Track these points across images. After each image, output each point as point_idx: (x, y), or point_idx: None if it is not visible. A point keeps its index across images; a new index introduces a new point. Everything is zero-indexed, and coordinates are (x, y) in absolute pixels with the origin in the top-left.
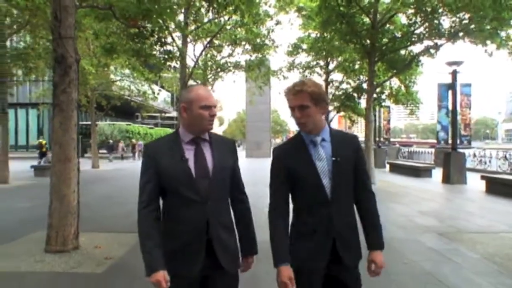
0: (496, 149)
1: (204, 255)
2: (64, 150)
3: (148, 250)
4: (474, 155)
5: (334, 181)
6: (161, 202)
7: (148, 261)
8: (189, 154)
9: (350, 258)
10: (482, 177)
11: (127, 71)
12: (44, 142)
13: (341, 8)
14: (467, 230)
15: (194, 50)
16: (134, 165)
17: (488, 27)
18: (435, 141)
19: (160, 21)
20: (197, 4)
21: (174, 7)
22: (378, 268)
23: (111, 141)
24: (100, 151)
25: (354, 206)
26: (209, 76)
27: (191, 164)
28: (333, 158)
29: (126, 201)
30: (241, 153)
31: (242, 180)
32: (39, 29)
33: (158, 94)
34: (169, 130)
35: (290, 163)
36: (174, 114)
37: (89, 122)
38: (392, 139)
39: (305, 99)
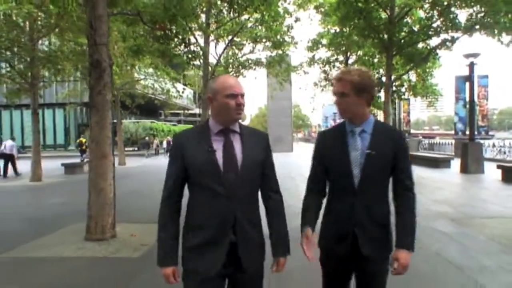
0: None
1: (227, 252)
2: (101, 147)
3: (162, 243)
4: (494, 145)
5: (364, 172)
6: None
7: (160, 254)
8: (218, 145)
9: (369, 249)
10: (498, 167)
11: (150, 70)
12: (84, 140)
13: (359, 4)
14: (477, 216)
15: (216, 48)
16: (159, 162)
17: (503, 19)
18: None
19: (184, 23)
20: (218, 5)
21: (197, 10)
22: (401, 267)
23: (147, 138)
24: (126, 148)
25: (389, 202)
26: (231, 73)
27: (219, 155)
28: (367, 151)
29: (152, 194)
30: None
31: (276, 177)
32: (66, 32)
33: (182, 92)
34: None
35: (327, 149)
36: (196, 111)
37: (114, 120)
38: (415, 131)
39: (346, 87)
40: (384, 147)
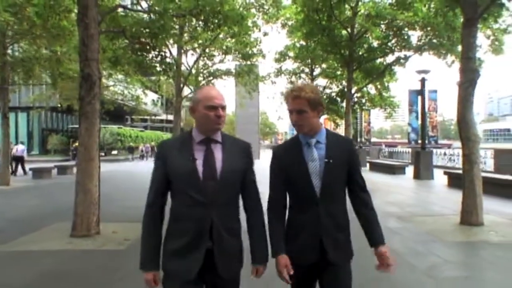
0: (482, 148)
1: (203, 258)
2: (89, 152)
3: (144, 248)
4: (445, 154)
5: (324, 181)
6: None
7: (142, 258)
8: (199, 154)
9: (336, 256)
10: (445, 173)
11: (120, 76)
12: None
13: (323, 22)
14: (420, 214)
15: (187, 57)
16: (131, 166)
17: (445, 42)
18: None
19: (164, 40)
20: (193, 24)
21: (176, 26)
22: (390, 259)
23: (131, 144)
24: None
25: (347, 207)
26: (201, 83)
27: (199, 164)
28: (326, 160)
29: (124, 198)
30: None
31: (257, 187)
32: (39, 38)
33: (157, 101)
34: (159, 133)
35: (285, 162)
36: (163, 117)
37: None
38: (379, 140)
39: (303, 104)
40: (340, 154)
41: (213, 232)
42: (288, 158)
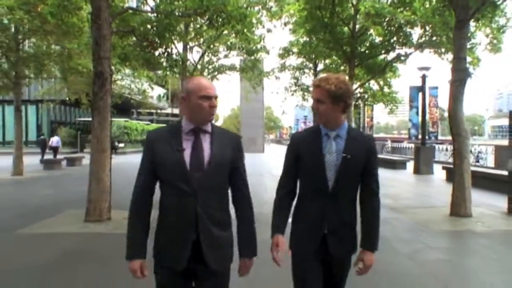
0: (482, 144)
1: (191, 249)
2: (101, 144)
3: (130, 237)
4: (447, 149)
5: (338, 175)
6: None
7: (127, 248)
8: (187, 144)
9: (337, 250)
10: (443, 168)
11: (127, 70)
12: None
13: (325, 19)
14: (413, 206)
15: (192, 53)
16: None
17: (444, 40)
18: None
19: (171, 39)
20: (199, 21)
21: (181, 25)
22: (366, 267)
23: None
24: None
25: (357, 204)
26: (207, 77)
27: (186, 154)
28: (343, 154)
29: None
30: None
31: (247, 180)
32: (50, 34)
33: (163, 97)
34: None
35: (302, 150)
36: (169, 110)
37: (87, 119)
38: (385, 135)
39: (322, 94)
40: (358, 151)
41: (199, 223)
42: (306, 146)
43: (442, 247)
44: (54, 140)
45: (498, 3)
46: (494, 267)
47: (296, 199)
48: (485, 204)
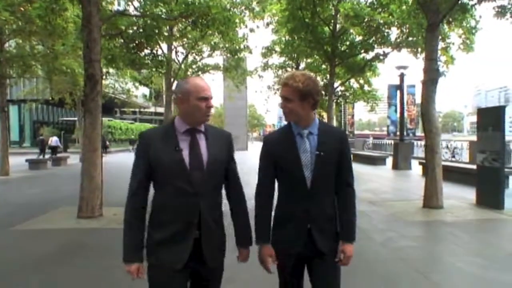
0: (460, 140)
1: (191, 247)
2: (92, 143)
3: (127, 240)
4: (425, 146)
5: (315, 173)
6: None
7: (124, 250)
8: (184, 144)
9: (324, 245)
10: (420, 163)
11: (111, 70)
12: None
13: (306, 20)
14: (390, 200)
15: (177, 54)
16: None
17: (419, 40)
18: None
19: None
20: (184, 22)
21: (166, 27)
22: (347, 259)
23: (132, 136)
24: None
25: (335, 198)
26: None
27: (185, 154)
28: (317, 152)
29: (123, 186)
30: None
31: (239, 175)
32: (34, 35)
33: (149, 97)
34: (149, 125)
35: (277, 151)
36: (152, 109)
37: (71, 118)
38: (367, 132)
39: (290, 92)
40: (331, 146)
41: (201, 221)
42: (280, 148)
43: (412, 236)
44: (53, 140)
45: (468, 7)
46: (459, 251)
47: (276, 201)
48: (456, 196)
